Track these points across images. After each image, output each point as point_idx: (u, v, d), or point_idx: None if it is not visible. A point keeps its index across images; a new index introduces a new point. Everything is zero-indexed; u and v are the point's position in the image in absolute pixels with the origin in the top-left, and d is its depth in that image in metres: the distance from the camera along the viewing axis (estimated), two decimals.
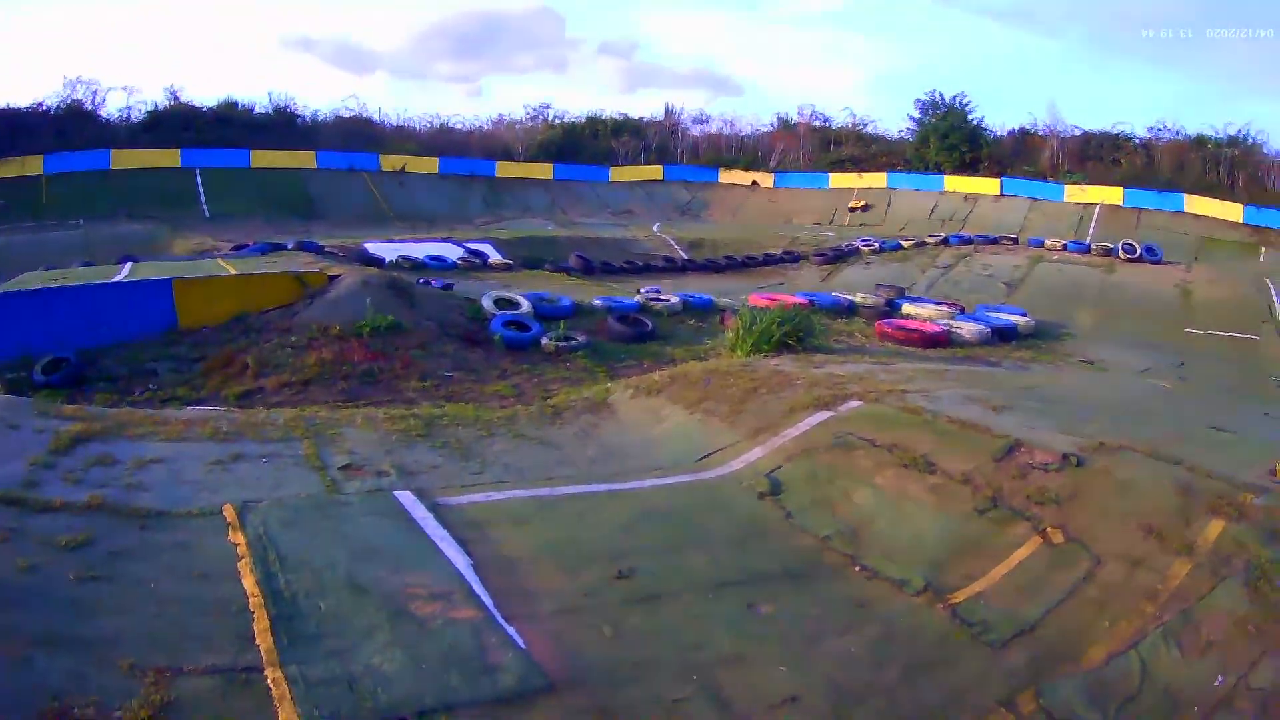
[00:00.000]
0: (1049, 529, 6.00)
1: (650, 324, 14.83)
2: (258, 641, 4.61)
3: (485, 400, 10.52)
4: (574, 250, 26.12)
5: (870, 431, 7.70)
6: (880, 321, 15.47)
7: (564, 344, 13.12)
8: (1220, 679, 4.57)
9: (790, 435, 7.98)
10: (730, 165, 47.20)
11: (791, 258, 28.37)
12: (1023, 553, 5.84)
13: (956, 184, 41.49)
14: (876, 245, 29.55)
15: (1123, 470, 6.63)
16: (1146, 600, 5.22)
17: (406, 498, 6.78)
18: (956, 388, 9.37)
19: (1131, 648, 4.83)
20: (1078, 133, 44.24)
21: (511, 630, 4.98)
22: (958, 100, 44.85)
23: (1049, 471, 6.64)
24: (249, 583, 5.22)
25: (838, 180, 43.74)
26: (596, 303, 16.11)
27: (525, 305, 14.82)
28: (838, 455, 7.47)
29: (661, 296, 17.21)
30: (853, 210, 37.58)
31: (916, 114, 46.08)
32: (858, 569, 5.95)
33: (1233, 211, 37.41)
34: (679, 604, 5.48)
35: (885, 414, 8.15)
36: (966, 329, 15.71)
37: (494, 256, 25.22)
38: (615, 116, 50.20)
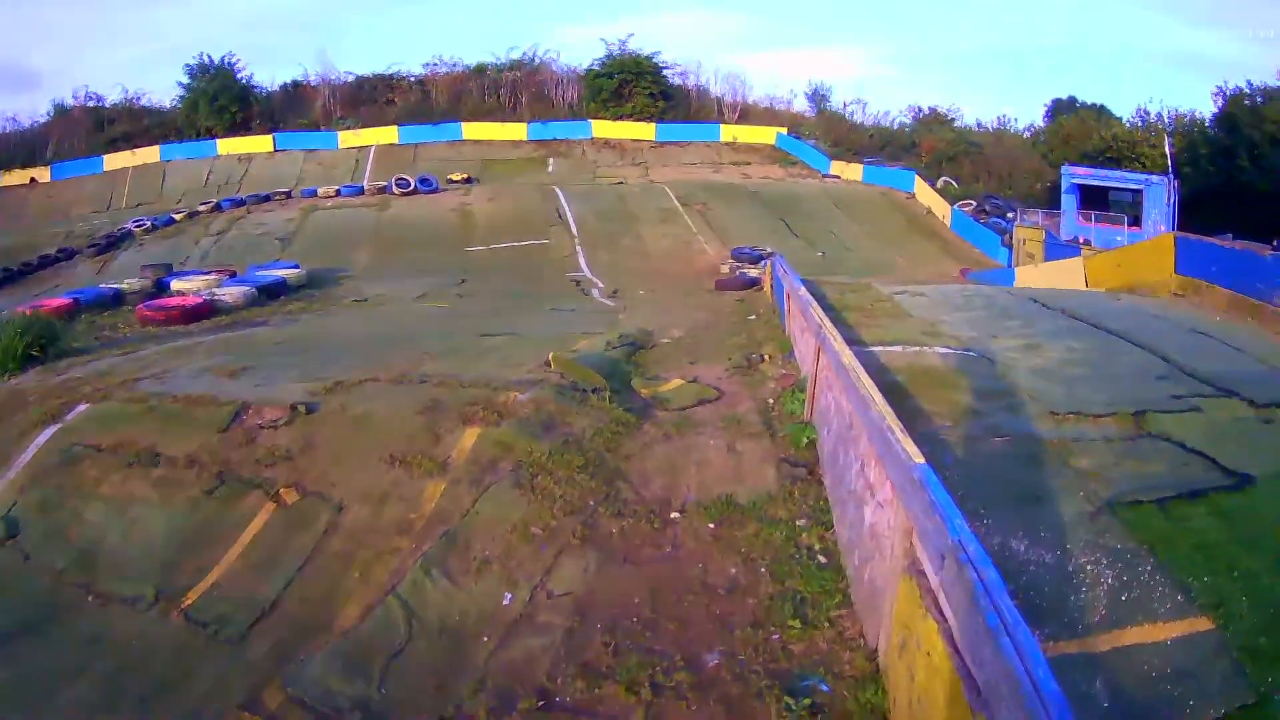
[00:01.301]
0: (282, 490, 5.50)
1: None
2: None
3: None
4: None
5: (97, 435, 6.45)
6: (141, 305, 13.53)
7: None
8: (509, 596, 4.37)
9: (20, 463, 6.35)
10: (8, 166, 39.11)
11: (66, 255, 24.78)
12: (256, 525, 5.26)
13: (230, 146, 39.83)
14: (149, 224, 27.21)
15: (360, 405, 6.41)
16: (400, 535, 4.93)
17: None
18: (201, 360, 8.38)
19: (390, 593, 4.46)
20: (350, 79, 45.16)
21: None
22: (226, 60, 42.67)
23: (279, 428, 6.15)
24: None
25: (111, 161, 39.12)
26: None
27: None
28: (66, 472, 6.11)
29: None
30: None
31: (186, 80, 42.71)
32: (91, 599, 4.89)
33: (516, 131, 41.39)
34: None
35: (112, 412, 6.88)
36: (230, 294, 14.70)
37: None
38: None
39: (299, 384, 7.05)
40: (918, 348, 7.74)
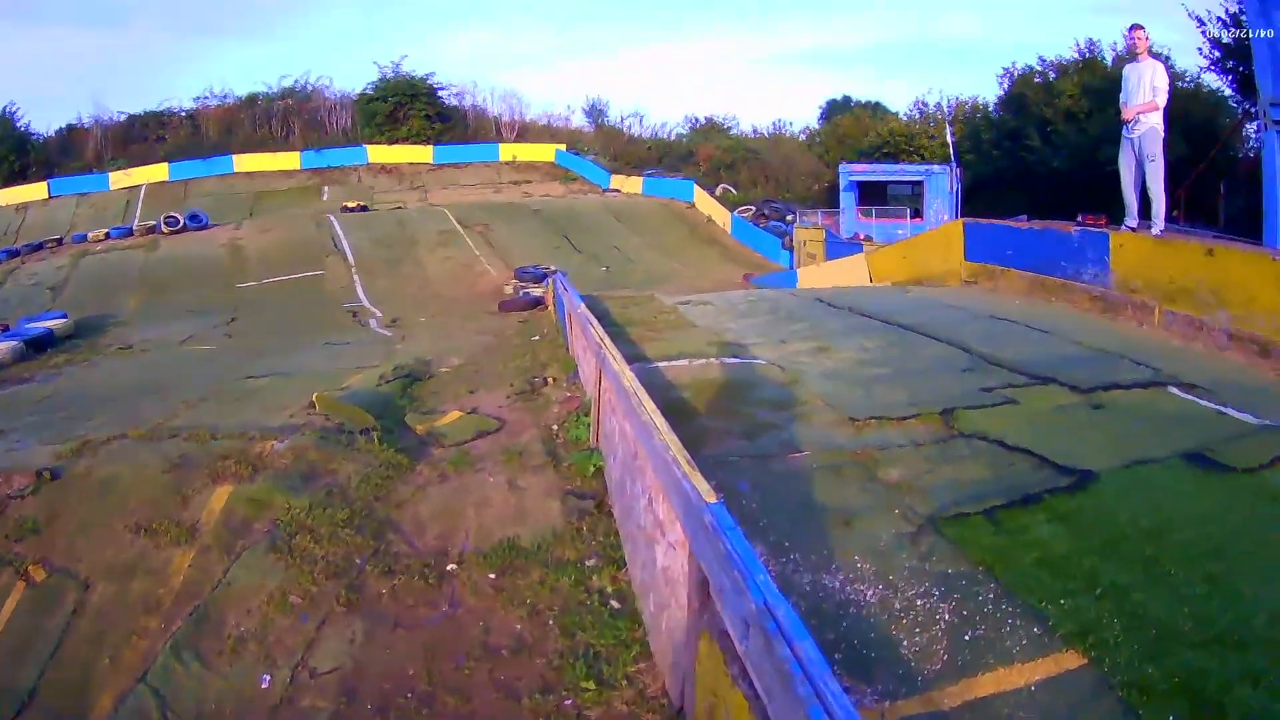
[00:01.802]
0: (30, 567, 4.71)
1: None
2: None
3: None
4: None
5: None
6: None
7: None
8: (267, 677, 3.79)
9: None
10: None
11: None
12: (9, 607, 4.48)
13: (7, 196, 37.49)
14: None
15: (106, 466, 5.62)
16: (148, 613, 4.29)
17: None
18: None
19: (141, 680, 3.84)
20: (123, 118, 43.26)
21: None
22: (7, 110, 40.65)
23: (25, 497, 5.28)
24: None
25: None
26: None
27: None
28: None
29: None
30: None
31: None
32: None
33: (289, 160, 40.26)
34: None
35: None
36: None
37: None
38: None
39: (49, 446, 6.10)
40: (704, 360, 7.37)
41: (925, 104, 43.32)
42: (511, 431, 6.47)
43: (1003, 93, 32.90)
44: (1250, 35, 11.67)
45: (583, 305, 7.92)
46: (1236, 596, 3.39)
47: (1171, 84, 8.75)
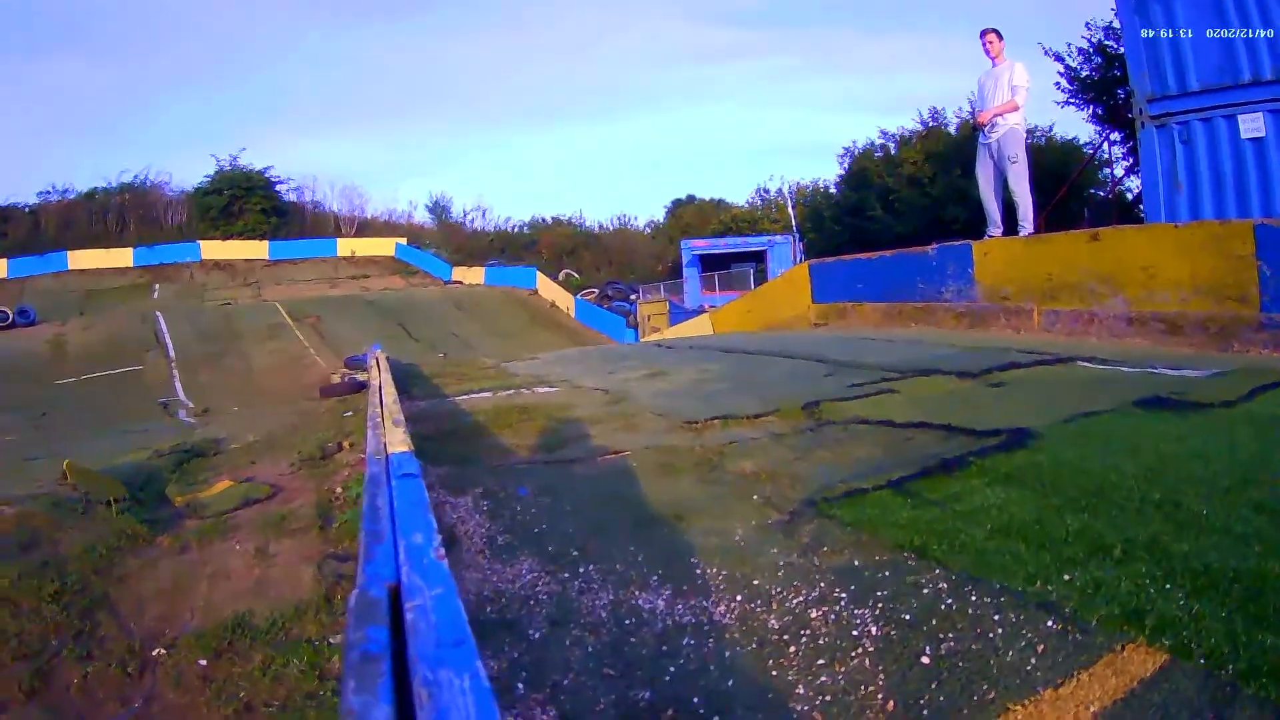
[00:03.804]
0: None
1: None
2: None
3: None
4: None
5: None
6: None
7: None
8: None
9: None
10: None
11: None
12: None
13: None
14: None
15: None
16: None
17: None
18: None
19: None
20: None
21: None
22: None
23: None
24: None
25: None
26: None
27: None
28: None
29: None
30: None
31: None
32: None
33: (122, 257, 39.16)
34: None
35: None
36: None
37: None
38: None
39: None
40: (512, 390, 6.20)
41: (767, 190, 45.49)
42: (285, 497, 5.44)
43: (844, 171, 33.72)
44: (1122, 38, 12.23)
45: (379, 351, 7.11)
46: None
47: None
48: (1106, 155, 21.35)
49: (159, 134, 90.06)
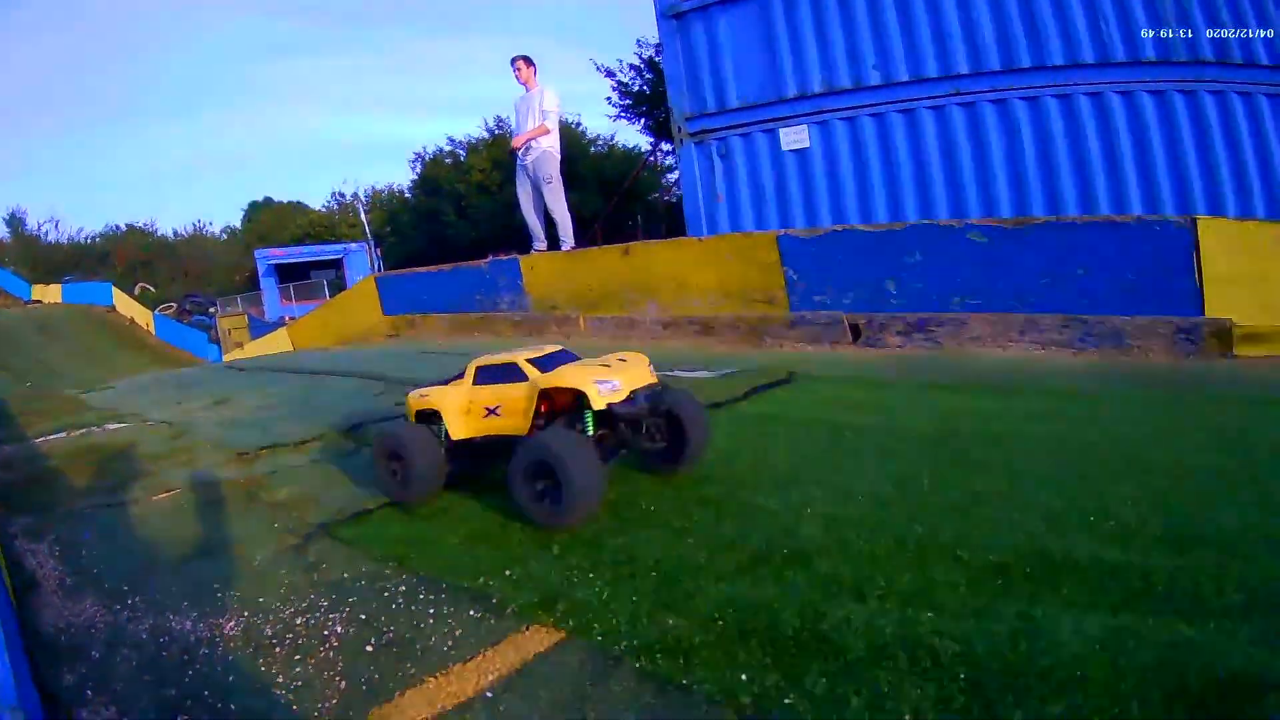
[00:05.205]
0: None
1: None
2: None
3: None
4: None
5: None
6: None
7: None
8: None
9: None
10: None
11: None
12: None
13: None
14: None
15: None
16: None
17: None
18: None
19: None
20: None
21: None
22: None
23: None
24: None
25: None
26: None
27: None
28: None
29: None
30: None
31: None
32: None
33: None
34: None
35: None
36: None
37: None
38: None
39: None
40: (85, 429, 5.92)
41: (343, 195, 44.50)
42: None
43: (416, 176, 33.61)
44: (661, 61, 12.49)
45: None
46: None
47: (562, 107, 8.70)
48: (660, 164, 23.86)
49: None
